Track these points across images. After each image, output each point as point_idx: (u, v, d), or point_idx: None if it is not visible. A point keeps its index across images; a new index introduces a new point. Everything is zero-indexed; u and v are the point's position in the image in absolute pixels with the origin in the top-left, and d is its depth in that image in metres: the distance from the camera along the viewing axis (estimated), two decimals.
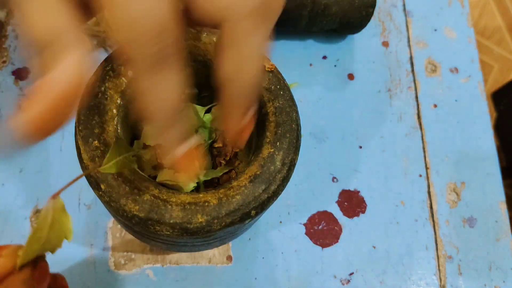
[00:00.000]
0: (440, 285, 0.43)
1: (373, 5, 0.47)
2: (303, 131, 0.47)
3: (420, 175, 0.47)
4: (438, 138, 0.49)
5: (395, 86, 0.51)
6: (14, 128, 0.17)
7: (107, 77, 0.32)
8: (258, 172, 0.31)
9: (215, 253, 0.42)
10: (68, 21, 0.18)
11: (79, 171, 0.32)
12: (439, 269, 0.44)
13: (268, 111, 0.34)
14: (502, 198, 0.47)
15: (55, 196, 0.23)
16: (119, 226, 0.41)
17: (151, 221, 0.28)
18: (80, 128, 0.30)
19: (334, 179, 0.46)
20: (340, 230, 0.44)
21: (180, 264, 0.41)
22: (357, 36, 0.53)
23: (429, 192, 0.47)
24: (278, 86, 0.34)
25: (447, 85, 0.52)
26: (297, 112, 0.34)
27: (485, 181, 0.48)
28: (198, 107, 0.39)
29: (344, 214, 0.45)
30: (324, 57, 0.52)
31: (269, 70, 0.35)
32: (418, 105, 0.50)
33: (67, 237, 0.24)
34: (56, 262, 0.40)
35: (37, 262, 0.25)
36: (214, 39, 0.35)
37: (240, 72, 0.20)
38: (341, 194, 0.45)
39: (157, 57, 0.17)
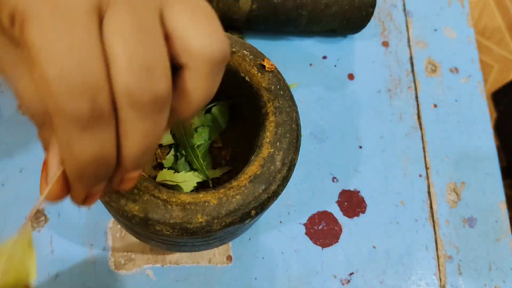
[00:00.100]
0: (440, 285, 0.43)
1: (373, 5, 0.47)
2: (303, 131, 0.47)
3: (420, 175, 0.47)
4: (438, 138, 0.49)
5: (395, 86, 0.51)
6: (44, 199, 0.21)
7: None
8: (258, 172, 0.31)
9: (215, 253, 0.42)
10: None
11: None
12: (439, 269, 0.44)
13: (268, 111, 0.34)
14: (502, 198, 0.47)
15: (26, 222, 0.22)
16: (119, 226, 0.41)
17: (151, 221, 0.28)
18: None
19: (334, 179, 0.46)
20: (340, 230, 0.44)
21: (180, 264, 0.41)
22: (357, 36, 0.53)
23: (429, 192, 0.47)
24: (278, 86, 0.34)
25: (447, 85, 0.52)
26: (297, 112, 0.34)
27: (485, 181, 0.48)
28: None
29: (344, 214, 0.45)
30: (324, 57, 0.52)
31: (269, 70, 0.35)
32: (418, 105, 0.50)
33: (27, 278, 0.21)
34: (56, 262, 0.40)
35: None
36: None
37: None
38: (341, 194, 0.45)
39: (88, 113, 0.16)
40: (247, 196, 0.30)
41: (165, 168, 0.38)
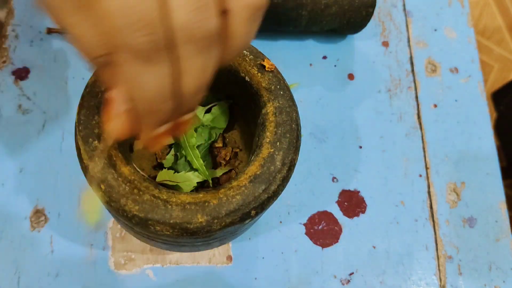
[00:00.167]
0: (440, 285, 0.43)
1: (373, 5, 0.47)
2: (303, 131, 0.47)
3: (420, 175, 0.47)
4: (438, 138, 0.49)
5: (395, 86, 0.51)
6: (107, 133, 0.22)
7: None
8: (258, 172, 0.31)
9: (215, 253, 0.42)
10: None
11: (79, 171, 0.32)
12: (439, 269, 0.44)
13: (268, 111, 0.34)
14: (502, 198, 0.47)
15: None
16: (119, 226, 0.41)
17: (151, 221, 0.28)
18: (80, 128, 0.30)
19: (334, 179, 0.46)
20: (340, 230, 0.44)
21: (180, 264, 0.41)
22: (357, 36, 0.53)
23: (429, 192, 0.47)
24: (278, 86, 0.34)
25: (447, 85, 0.52)
26: (297, 112, 0.34)
27: (485, 181, 0.48)
28: (198, 107, 0.39)
29: (344, 214, 0.45)
30: (324, 57, 0.52)
31: (269, 70, 0.35)
32: (418, 105, 0.50)
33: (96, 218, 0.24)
34: (56, 262, 0.40)
35: None
36: None
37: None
38: (341, 194, 0.45)
39: (149, 46, 0.18)
40: (247, 196, 0.30)
41: (165, 168, 0.38)
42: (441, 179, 0.47)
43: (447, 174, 0.47)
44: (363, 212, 0.45)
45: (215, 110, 0.40)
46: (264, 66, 0.35)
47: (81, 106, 0.31)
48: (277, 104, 0.34)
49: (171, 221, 0.28)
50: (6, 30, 0.48)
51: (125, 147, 0.32)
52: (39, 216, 0.41)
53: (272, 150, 0.32)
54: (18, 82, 0.46)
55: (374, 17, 0.54)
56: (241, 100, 0.38)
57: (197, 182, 0.37)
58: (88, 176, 0.29)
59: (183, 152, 0.38)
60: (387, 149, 0.48)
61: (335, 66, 0.51)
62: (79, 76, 0.47)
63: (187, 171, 0.37)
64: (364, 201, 0.45)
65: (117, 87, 0.21)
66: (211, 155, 0.40)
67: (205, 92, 0.22)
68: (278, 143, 0.32)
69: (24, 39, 0.48)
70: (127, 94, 0.21)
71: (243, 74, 0.35)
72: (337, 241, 0.44)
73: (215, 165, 0.40)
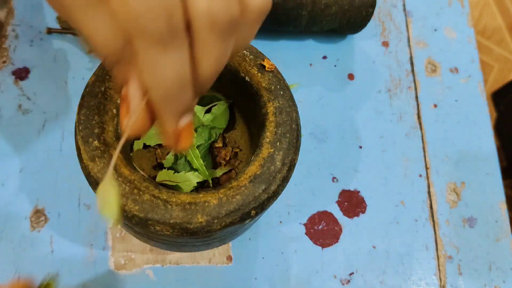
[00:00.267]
0: (440, 285, 0.43)
1: (373, 5, 0.47)
2: (303, 131, 0.47)
3: (420, 175, 0.47)
4: (438, 138, 0.49)
5: (395, 86, 0.51)
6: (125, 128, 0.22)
7: (107, 77, 0.32)
8: (258, 172, 0.31)
9: (215, 253, 0.42)
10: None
11: (79, 171, 0.32)
12: (439, 269, 0.44)
13: (268, 111, 0.34)
14: (502, 198, 0.47)
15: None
16: (119, 226, 0.41)
17: (151, 221, 0.28)
18: (80, 128, 0.30)
19: (334, 179, 0.46)
20: (340, 230, 0.44)
21: (180, 264, 0.41)
22: (357, 36, 0.53)
23: (429, 192, 0.47)
24: (278, 86, 0.34)
25: (447, 85, 0.52)
26: (297, 112, 0.34)
27: (485, 181, 0.48)
28: (198, 107, 0.39)
29: (344, 214, 0.45)
30: (324, 57, 0.52)
31: (269, 70, 0.35)
32: (418, 105, 0.50)
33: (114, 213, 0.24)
34: (56, 262, 0.40)
35: None
36: None
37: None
38: (341, 194, 0.45)
39: (167, 32, 0.18)
40: (247, 196, 0.30)
41: (164, 168, 0.38)
42: (441, 179, 0.47)
43: (447, 174, 0.47)
44: (363, 212, 0.45)
45: (215, 110, 0.40)
46: (264, 66, 0.35)
47: (81, 106, 0.31)
48: (277, 104, 0.34)
49: (171, 221, 0.28)
50: (6, 30, 0.48)
51: (126, 147, 0.32)
52: (39, 216, 0.41)
53: (272, 150, 0.32)
54: (18, 82, 0.46)
55: (374, 17, 0.54)
56: (241, 100, 0.38)
57: (197, 182, 0.37)
58: (88, 176, 0.29)
59: (183, 152, 0.38)
60: (387, 149, 0.48)
61: (335, 66, 0.51)
62: (79, 76, 0.47)
63: (187, 171, 0.37)
64: (364, 201, 0.45)
65: (132, 82, 0.21)
66: (211, 155, 0.40)
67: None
68: (278, 143, 0.32)
69: (24, 39, 0.48)
70: (144, 84, 0.21)
71: (243, 74, 0.35)
72: (337, 241, 0.44)
73: (215, 165, 0.40)
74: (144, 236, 0.34)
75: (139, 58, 0.19)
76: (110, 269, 0.40)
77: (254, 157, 0.32)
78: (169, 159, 0.39)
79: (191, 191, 0.36)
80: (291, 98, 0.34)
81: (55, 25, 0.49)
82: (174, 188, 0.36)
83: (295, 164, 0.32)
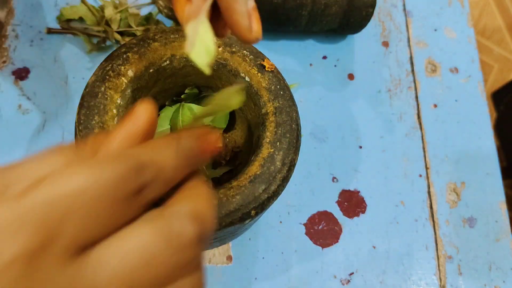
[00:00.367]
0: (440, 285, 0.43)
1: (373, 5, 0.47)
2: (303, 131, 0.47)
3: (420, 175, 0.47)
4: (438, 138, 0.49)
5: (395, 86, 0.51)
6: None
7: (107, 77, 0.32)
8: (258, 172, 0.31)
9: (215, 253, 0.42)
10: None
11: None
12: (439, 269, 0.44)
13: (268, 111, 0.34)
14: (502, 198, 0.47)
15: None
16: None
17: None
18: (80, 128, 0.30)
19: (334, 179, 0.46)
20: (340, 230, 0.44)
21: None
22: (357, 36, 0.53)
23: (429, 192, 0.47)
24: (278, 86, 0.34)
25: (447, 85, 0.52)
26: (297, 112, 0.34)
27: (485, 181, 0.48)
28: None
29: (344, 214, 0.45)
30: (324, 57, 0.52)
31: (269, 70, 0.35)
32: (418, 105, 0.50)
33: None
34: None
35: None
36: (215, 39, 0.35)
37: None
38: (341, 194, 0.45)
39: None
40: (247, 196, 0.30)
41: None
42: (441, 179, 0.47)
43: (447, 174, 0.47)
44: (363, 212, 0.45)
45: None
46: (264, 66, 0.35)
47: (81, 106, 0.31)
48: (277, 104, 0.34)
49: None
50: (6, 30, 0.48)
51: None
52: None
53: (272, 150, 0.32)
54: (18, 82, 0.46)
55: (374, 17, 0.54)
56: None
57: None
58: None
59: None
60: (387, 149, 0.48)
61: (335, 66, 0.51)
62: (79, 76, 0.47)
63: None
64: (364, 201, 0.45)
65: None
66: None
67: None
68: (278, 143, 0.32)
69: (24, 39, 0.48)
70: None
71: (243, 74, 0.35)
72: (337, 241, 0.44)
73: (215, 165, 0.40)
74: None
75: None
76: None
77: (254, 157, 0.32)
78: None
79: None
80: (291, 98, 0.34)
81: (55, 25, 0.49)
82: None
83: (295, 164, 0.32)
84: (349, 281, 0.42)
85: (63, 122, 0.45)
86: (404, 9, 0.55)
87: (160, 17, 0.50)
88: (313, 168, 0.46)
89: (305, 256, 0.43)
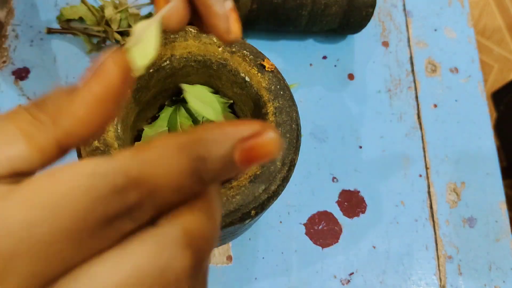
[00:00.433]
0: (440, 285, 0.43)
1: (373, 5, 0.47)
2: (303, 131, 0.47)
3: (420, 175, 0.47)
4: (438, 138, 0.49)
5: (395, 86, 0.51)
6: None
7: None
8: (258, 172, 0.31)
9: (215, 253, 0.42)
10: None
11: None
12: (439, 269, 0.44)
13: (268, 111, 0.34)
14: (502, 198, 0.47)
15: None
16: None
17: None
18: None
19: (334, 179, 0.46)
20: (340, 230, 0.44)
21: None
22: (357, 36, 0.53)
23: (429, 192, 0.47)
24: (278, 86, 0.34)
25: (447, 85, 0.52)
26: (297, 112, 0.34)
27: (485, 181, 0.48)
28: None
29: (344, 214, 0.45)
30: (324, 57, 0.52)
31: (269, 70, 0.35)
32: (418, 105, 0.50)
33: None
34: None
35: None
36: (214, 39, 0.35)
37: None
38: (341, 194, 0.45)
39: None
40: (247, 196, 0.30)
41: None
42: (441, 179, 0.47)
43: (447, 174, 0.47)
44: (363, 212, 0.45)
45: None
46: (264, 66, 0.35)
47: None
48: (277, 104, 0.34)
49: None
50: (6, 30, 0.48)
51: (126, 147, 0.32)
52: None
53: None
54: (18, 82, 0.46)
55: (374, 17, 0.54)
56: (241, 100, 0.38)
57: None
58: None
59: None
60: (387, 149, 0.48)
61: (335, 66, 0.51)
62: (79, 76, 0.47)
63: None
64: (364, 201, 0.45)
65: None
66: None
67: None
68: None
69: (24, 39, 0.48)
70: None
71: (243, 74, 0.35)
72: (337, 241, 0.44)
73: None
74: None
75: None
76: None
77: None
78: None
79: None
80: (291, 98, 0.34)
81: (55, 25, 0.49)
82: None
83: (295, 164, 0.32)
84: (349, 281, 0.42)
85: None
86: (404, 9, 0.55)
87: None
88: (313, 168, 0.46)
89: (305, 256, 0.43)
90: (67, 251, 0.11)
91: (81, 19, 0.48)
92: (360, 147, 0.48)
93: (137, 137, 0.39)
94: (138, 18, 0.48)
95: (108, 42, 0.48)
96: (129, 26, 0.48)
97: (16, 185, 0.12)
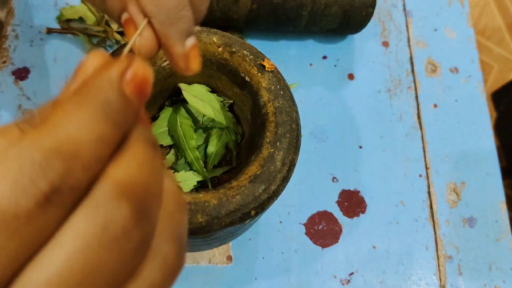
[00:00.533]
0: (440, 285, 0.43)
1: (373, 5, 0.47)
2: (303, 131, 0.47)
3: (420, 175, 0.47)
4: (438, 138, 0.49)
5: (395, 86, 0.51)
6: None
7: None
8: (258, 172, 0.31)
9: (215, 253, 0.42)
10: None
11: None
12: (439, 269, 0.44)
13: (268, 111, 0.34)
14: (502, 198, 0.47)
15: None
16: None
17: None
18: None
19: (334, 179, 0.46)
20: (340, 230, 0.44)
21: None
22: (357, 36, 0.53)
23: (429, 192, 0.47)
24: (278, 86, 0.34)
25: (447, 85, 0.52)
26: (297, 112, 0.34)
27: (485, 181, 0.48)
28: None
29: (344, 214, 0.45)
30: (324, 57, 0.52)
31: (269, 70, 0.35)
32: (418, 105, 0.50)
33: None
34: None
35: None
36: (214, 39, 0.35)
37: (158, 5, 0.22)
38: (341, 194, 0.45)
39: None
40: (247, 196, 0.30)
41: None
42: (441, 179, 0.47)
43: (447, 174, 0.47)
44: (363, 212, 0.45)
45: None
46: (264, 66, 0.35)
47: None
48: (277, 104, 0.34)
49: None
50: (6, 30, 0.48)
51: None
52: None
53: (272, 150, 0.32)
54: (18, 82, 0.46)
55: (374, 17, 0.54)
56: (241, 100, 0.38)
57: (197, 182, 0.37)
58: None
59: (183, 153, 0.38)
60: (387, 149, 0.48)
61: (335, 66, 0.51)
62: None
63: (187, 171, 0.37)
64: (364, 201, 0.45)
65: (132, 6, 0.23)
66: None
67: None
68: (278, 143, 0.32)
69: (24, 39, 0.48)
70: (145, 11, 0.22)
71: (243, 74, 0.35)
72: (337, 241, 0.44)
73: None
74: None
75: None
76: None
77: (254, 157, 0.32)
78: (169, 159, 0.39)
79: (191, 190, 0.36)
80: (291, 98, 0.34)
81: (55, 25, 0.49)
82: None
83: (295, 164, 0.32)
84: (349, 281, 0.42)
85: None
86: (404, 9, 0.55)
87: None
88: (313, 168, 0.46)
89: (305, 256, 0.43)
90: (8, 243, 0.11)
91: (81, 19, 0.48)
92: (360, 147, 0.48)
93: None
94: None
95: (108, 42, 0.48)
96: None
97: None
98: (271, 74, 0.35)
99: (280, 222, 0.44)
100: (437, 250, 0.44)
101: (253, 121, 0.36)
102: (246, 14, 0.46)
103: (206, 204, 0.29)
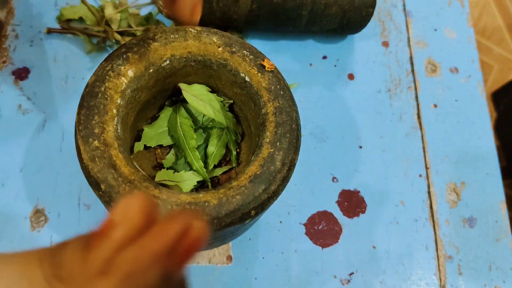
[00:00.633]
0: (440, 285, 0.43)
1: (373, 5, 0.47)
2: (303, 131, 0.47)
3: (420, 175, 0.47)
4: (438, 138, 0.49)
5: (395, 86, 0.51)
6: None
7: (107, 77, 0.32)
8: (258, 172, 0.31)
9: (215, 253, 0.42)
10: None
11: (79, 171, 0.32)
12: (439, 269, 0.44)
13: (268, 111, 0.34)
14: (502, 198, 0.47)
15: None
16: None
17: None
18: (80, 128, 0.30)
19: (334, 179, 0.46)
20: (340, 230, 0.44)
21: None
22: (357, 36, 0.53)
23: (429, 192, 0.47)
24: (278, 86, 0.34)
25: (447, 85, 0.52)
26: (297, 112, 0.34)
27: (485, 181, 0.48)
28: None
29: (344, 214, 0.45)
30: (324, 57, 0.52)
31: (269, 70, 0.35)
32: (418, 105, 0.50)
33: None
34: None
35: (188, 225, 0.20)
36: (214, 39, 0.35)
37: None
38: (341, 194, 0.45)
39: None
40: (247, 196, 0.30)
41: (164, 168, 0.38)
42: (441, 179, 0.47)
43: (447, 174, 0.47)
44: (363, 212, 0.45)
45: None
46: (264, 66, 0.35)
47: (81, 106, 0.31)
48: (277, 104, 0.34)
49: None
50: (6, 30, 0.48)
51: (126, 147, 0.32)
52: (39, 216, 0.41)
53: (272, 150, 0.32)
54: (18, 82, 0.46)
55: (374, 17, 0.54)
56: (241, 100, 0.38)
57: (197, 181, 0.37)
58: (88, 177, 0.29)
59: (183, 153, 0.38)
60: (387, 149, 0.48)
61: (335, 66, 0.51)
62: (79, 76, 0.47)
63: (187, 171, 0.37)
64: (364, 201, 0.45)
65: None
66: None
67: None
68: (278, 143, 0.32)
69: (24, 39, 0.48)
70: None
71: (243, 74, 0.35)
72: (337, 241, 0.44)
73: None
74: None
75: None
76: None
77: (254, 157, 0.32)
78: (169, 159, 0.39)
79: (191, 190, 0.36)
80: (291, 98, 0.34)
81: (55, 25, 0.49)
82: (174, 188, 0.36)
83: (295, 164, 0.32)
84: (349, 281, 0.42)
85: (63, 122, 0.45)
86: (404, 9, 0.55)
87: (160, 17, 0.50)
88: (313, 168, 0.46)
89: (305, 256, 0.43)
90: None
91: (81, 19, 0.48)
92: (360, 147, 0.48)
93: (137, 137, 0.39)
94: (138, 18, 0.48)
95: (108, 42, 0.48)
96: (129, 26, 0.48)
97: None
98: (271, 74, 0.35)
99: (280, 222, 0.44)
100: (437, 250, 0.44)
101: (253, 121, 0.36)
102: (246, 14, 0.46)
103: (206, 204, 0.29)
